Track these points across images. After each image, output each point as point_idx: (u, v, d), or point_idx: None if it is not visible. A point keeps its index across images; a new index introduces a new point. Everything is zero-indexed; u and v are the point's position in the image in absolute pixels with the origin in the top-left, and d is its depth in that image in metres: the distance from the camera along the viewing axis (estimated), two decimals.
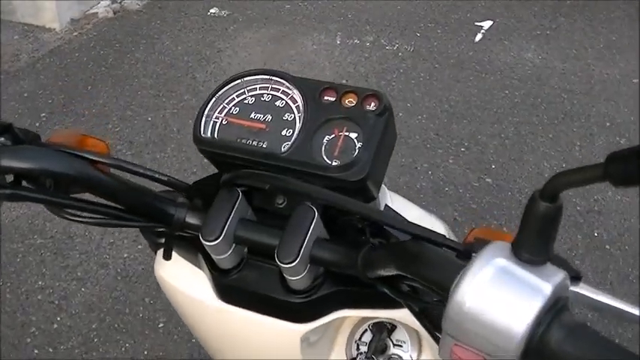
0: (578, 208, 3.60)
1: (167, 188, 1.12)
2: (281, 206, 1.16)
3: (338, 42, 5.02)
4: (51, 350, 3.04)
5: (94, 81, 4.72)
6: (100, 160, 1.03)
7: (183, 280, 1.24)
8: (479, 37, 5.04)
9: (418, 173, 3.86)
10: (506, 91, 4.48)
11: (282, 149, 1.05)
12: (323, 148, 1.04)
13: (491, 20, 5.20)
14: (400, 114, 4.28)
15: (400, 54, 4.86)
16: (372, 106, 1.06)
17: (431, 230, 0.94)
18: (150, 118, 4.34)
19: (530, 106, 4.36)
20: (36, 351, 3.03)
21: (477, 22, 5.19)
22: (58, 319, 3.16)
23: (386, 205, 1.18)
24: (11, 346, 3.05)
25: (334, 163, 1.02)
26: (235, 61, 4.86)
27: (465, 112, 4.32)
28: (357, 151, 1.02)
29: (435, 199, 3.70)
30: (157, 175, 1.06)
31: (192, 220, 1.11)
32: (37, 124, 4.32)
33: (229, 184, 1.09)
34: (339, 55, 4.87)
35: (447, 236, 0.95)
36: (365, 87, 1.08)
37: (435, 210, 3.61)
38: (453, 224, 3.53)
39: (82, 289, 3.27)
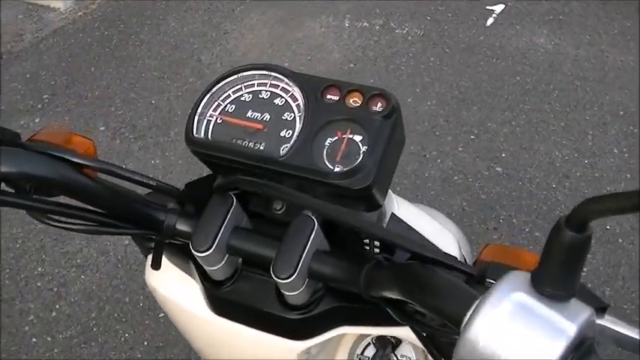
0: None
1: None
2: (279, 212, 1.08)
3: (346, 25, 4.93)
4: (49, 339, 2.98)
5: (98, 62, 4.65)
6: (84, 162, 0.96)
7: (175, 288, 1.16)
8: (490, 21, 4.94)
9: (427, 161, 3.78)
10: (518, 78, 4.38)
11: (281, 152, 0.97)
12: (325, 152, 0.97)
13: (503, 4, 5.09)
14: (409, 99, 4.21)
15: (410, 38, 4.77)
16: (378, 106, 0.98)
17: (440, 250, 0.86)
18: (154, 101, 4.27)
19: (542, 93, 4.27)
20: (34, 339, 2.98)
21: (489, 5, 5.08)
22: (57, 307, 3.10)
23: (392, 214, 1.10)
24: (9, 335, 2.99)
25: (336, 169, 0.94)
26: (241, 43, 4.78)
27: (476, 98, 4.23)
28: (361, 155, 0.94)
29: (444, 188, 3.62)
30: (145, 180, 0.98)
31: (183, 227, 1.04)
32: (39, 106, 4.26)
33: (223, 189, 1.01)
34: (348, 39, 4.78)
35: (460, 249, 0.88)
36: (371, 85, 1.00)
37: (444, 199, 3.54)
38: (461, 214, 3.46)
39: (82, 277, 3.21)
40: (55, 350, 2.94)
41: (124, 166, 1.03)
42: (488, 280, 0.84)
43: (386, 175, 1.00)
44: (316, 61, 4.56)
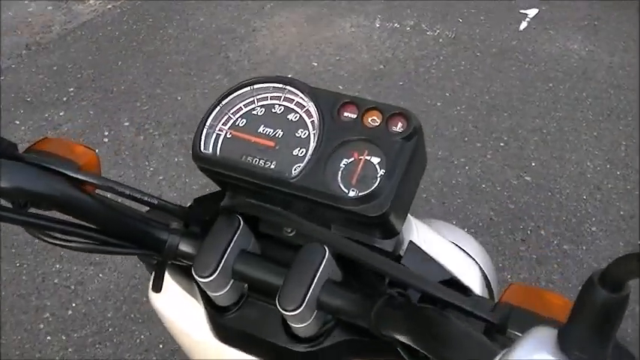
0: (622, 212, 3.43)
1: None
2: (290, 235, 1.02)
3: (377, 25, 4.87)
4: (64, 338, 2.93)
5: (125, 56, 4.62)
6: (83, 178, 0.90)
7: (178, 310, 1.10)
8: (523, 25, 4.86)
9: (454, 168, 3.71)
10: (550, 84, 4.30)
11: (293, 172, 0.91)
12: (339, 174, 0.90)
13: (537, 8, 5.02)
14: (438, 103, 4.14)
15: (441, 40, 4.71)
16: (398, 127, 0.91)
17: (458, 295, 0.80)
18: (179, 98, 4.23)
19: (575, 101, 4.18)
20: (48, 337, 2.93)
21: (522, 9, 5.01)
22: (73, 305, 3.05)
23: (410, 242, 1.03)
24: (24, 331, 2.95)
25: (351, 193, 0.88)
26: (270, 40, 4.73)
27: (506, 104, 4.16)
28: (378, 179, 0.88)
29: (471, 197, 3.54)
30: (146, 198, 0.92)
31: (186, 248, 0.98)
32: (65, 99, 4.23)
33: (228, 211, 0.95)
34: (378, 39, 4.72)
35: (483, 278, 0.81)
36: (391, 104, 0.94)
37: (471, 207, 3.46)
38: (488, 224, 3.38)
39: (100, 275, 3.16)
40: (69, 349, 2.89)
41: (126, 182, 0.97)
42: (509, 330, 0.77)
43: (404, 201, 0.93)
44: (345, 62, 4.50)
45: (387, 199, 0.87)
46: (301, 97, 0.98)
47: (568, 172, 3.68)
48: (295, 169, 0.92)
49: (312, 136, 0.94)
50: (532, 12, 4.98)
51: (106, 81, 4.38)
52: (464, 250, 1.38)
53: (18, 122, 4.07)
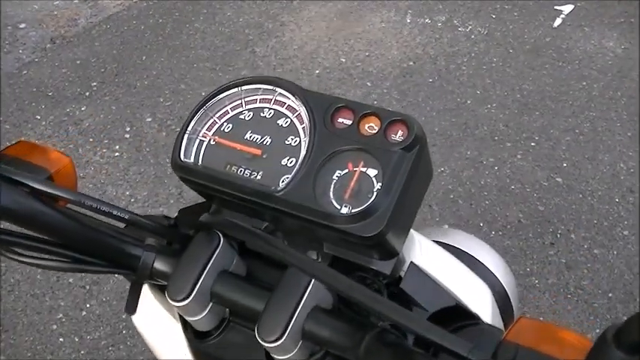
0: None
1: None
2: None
3: (408, 20, 4.77)
4: (77, 339, 2.88)
5: (150, 51, 4.56)
6: (47, 191, 0.82)
7: (159, 331, 1.02)
8: (558, 22, 4.73)
9: (483, 168, 3.61)
10: (584, 83, 4.18)
11: (280, 185, 0.83)
12: (332, 188, 0.82)
13: (572, 4, 4.88)
14: (469, 101, 4.05)
15: (473, 37, 4.60)
16: (398, 135, 0.83)
17: (454, 339, 0.70)
18: (204, 94, 4.08)
19: (609, 100, 4.06)
20: (61, 339, 2.88)
21: (557, 5, 4.87)
22: (87, 305, 2.99)
23: (411, 263, 0.94)
24: (37, 332, 2.90)
25: (344, 209, 0.79)
26: (298, 36, 4.65)
27: (538, 103, 4.05)
28: (374, 194, 0.80)
29: (499, 198, 3.44)
30: (118, 213, 0.83)
31: (162, 266, 0.89)
32: (87, 94, 4.18)
33: (207, 228, 0.86)
34: (408, 35, 4.62)
35: (494, 303, 0.72)
36: (390, 109, 0.85)
37: (499, 209, 3.36)
38: (517, 227, 3.28)
39: (115, 275, 3.08)
40: (82, 352, 2.83)
41: (98, 196, 0.89)
42: None
43: (405, 219, 0.84)
44: (374, 58, 4.41)
45: (384, 217, 0.78)
46: (292, 101, 0.89)
47: (600, 174, 3.57)
48: (283, 181, 0.83)
49: (302, 143, 0.86)
50: (567, 8, 4.85)
51: (129, 76, 4.33)
52: (480, 261, 1.30)
53: (39, 117, 4.03)
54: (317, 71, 4.30)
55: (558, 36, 4.59)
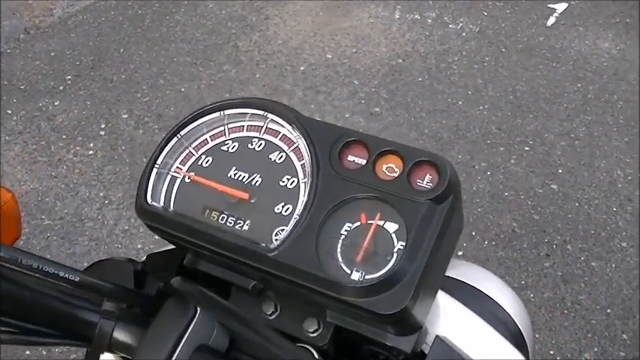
0: None
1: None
2: (271, 318, 0.76)
3: (397, 16, 4.62)
4: (44, 353, 2.70)
5: (128, 43, 4.39)
6: None
7: None
8: (551, 20, 4.61)
9: (475, 173, 3.48)
10: (579, 85, 4.07)
11: (273, 240, 0.66)
12: (339, 247, 0.65)
13: (566, 3, 4.76)
14: (460, 102, 3.93)
15: (464, 34, 4.47)
16: (425, 181, 0.66)
17: None
18: (183, 89, 4.00)
19: (605, 104, 3.94)
20: (27, 352, 2.69)
21: (550, 3, 4.75)
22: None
23: (437, 337, 0.77)
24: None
25: (355, 275, 0.63)
26: (282, 30, 4.49)
27: (532, 105, 3.93)
28: (394, 257, 0.63)
29: (492, 205, 3.30)
30: (68, 275, 0.66)
31: (124, 337, 0.72)
32: (61, 88, 4.01)
33: (179, 295, 0.70)
34: (397, 31, 4.48)
35: None
36: (415, 147, 0.68)
37: (492, 217, 3.21)
38: (510, 236, 3.13)
39: None
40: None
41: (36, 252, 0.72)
42: None
43: (431, 286, 0.68)
44: (361, 54, 4.26)
45: (408, 289, 0.62)
46: (289, 130, 0.72)
47: (597, 181, 3.44)
48: (276, 236, 0.67)
49: (302, 186, 0.69)
50: (561, 7, 4.71)
51: (105, 69, 4.16)
52: (495, 301, 1.15)
53: (10, 112, 3.85)
54: (302, 67, 4.14)
55: (552, 35, 4.46)
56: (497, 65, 4.21)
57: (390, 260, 0.63)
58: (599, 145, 3.65)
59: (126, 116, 3.82)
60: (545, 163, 3.55)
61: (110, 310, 0.73)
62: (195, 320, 0.70)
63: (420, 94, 3.98)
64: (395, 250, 0.64)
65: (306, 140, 0.71)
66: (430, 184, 0.66)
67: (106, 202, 3.28)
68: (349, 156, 0.70)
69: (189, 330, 0.69)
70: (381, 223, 0.66)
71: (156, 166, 0.74)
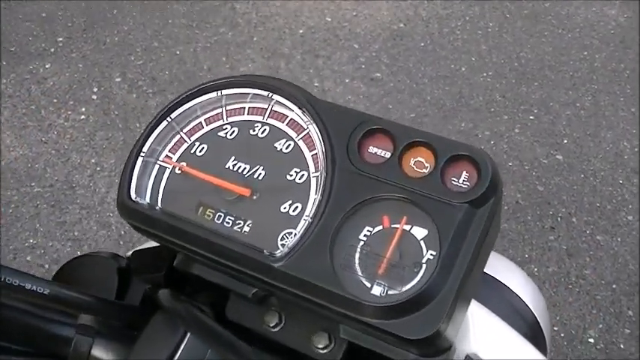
0: None
1: None
2: (274, 330, 0.67)
3: None
4: None
5: (121, 4, 4.26)
6: None
7: None
8: None
9: (479, 142, 3.39)
10: (585, 53, 3.97)
11: (279, 248, 0.56)
12: (357, 256, 0.55)
13: None
14: (463, 69, 3.84)
15: None
16: (461, 179, 0.56)
17: None
18: (178, 52, 3.89)
19: (612, 73, 3.85)
20: None
21: None
22: None
23: (467, 357, 0.67)
24: None
25: (375, 290, 0.54)
26: None
27: (537, 73, 3.84)
28: (423, 268, 0.53)
29: None
30: (37, 288, 0.57)
31: (102, 354, 0.63)
32: (52, 50, 3.89)
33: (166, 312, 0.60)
34: None
35: None
36: (451, 138, 0.58)
37: None
38: (514, 208, 3.06)
39: (78, 252, 2.83)
40: None
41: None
42: None
43: (466, 302, 0.58)
44: (362, 18, 4.16)
45: (441, 310, 0.52)
46: (298, 115, 0.62)
47: (603, 152, 3.36)
48: (283, 242, 0.57)
49: (313, 181, 0.59)
50: None
51: (98, 31, 4.03)
52: (514, 291, 1.11)
53: None
54: (300, 31, 4.03)
55: (558, 1, 4.35)
56: (502, 31, 4.10)
57: (417, 272, 0.54)
58: (605, 116, 3.57)
59: (119, 80, 3.71)
60: (550, 132, 3.46)
61: (87, 325, 0.64)
62: (184, 344, 0.61)
63: (422, 59, 3.88)
64: (424, 260, 0.54)
65: (318, 126, 0.61)
66: (467, 184, 0.57)
67: (98, 168, 3.18)
68: (371, 147, 0.60)
69: (180, 352, 0.60)
70: (407, 227, 0.56)
71: (141, 154, 0.64)
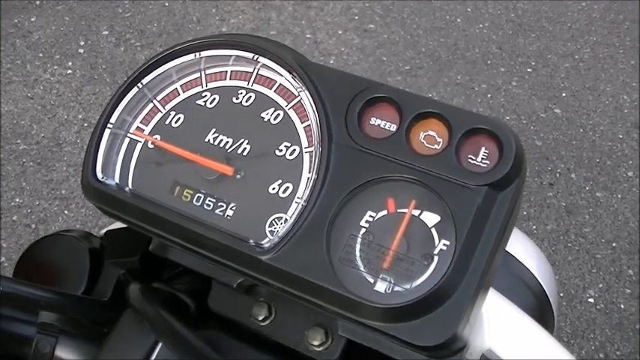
0: None
1: None
2: (263, 324, 0.60)
3: None
4: None
5: None
6: None
7: None
8: None
9: (475, 95, 3.33)
10: (583, 4, 3.91)
11: (267, 236, 0.49)
12: (358, 247, 0.47)
13: None
14: (458, 20, 3.78)
15: None
16: (480, 158, 0.50)
17: None
18: (167, 4, 3.82)
19: (611, 24, 3.79)
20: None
21: None
22: None
23: (483, 356, 0.60)
24: None
25: (378, 286, 0.47)
26: None
27: (534, 24, 3.78)
28: (434, 260, 0.46)
29: None
30: None
31: (67, 355, 0.56)
32: (37, 3, 3.81)
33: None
34: None
35: None
36: (465, 108, 0.51)
37: None
38: None
39: (65, 212, 2.77)
40: None
41: None
42: None
43: (484, 295, 0.51)
44: None
45: (458, 311, 0.46)
46: (287, 80, 0.55)
47: (602, 106, 3.29)
48: (272, 228, 0.50)
49: (305, 157, 0.52)
50: None
51: None
52: (522, 263, 1.05)
53: None
54: None
55: None
56: None
57: (428, 266, 0.47)
58: (604, 68, 3.51)
59: (106, 33, 3.62)
60: (548, 85, 3.40)
61: (49, 323, 0.57)
62: (156, 352, 0.54)
63: (417, 10, 3.80)
64: (435, 251, 0.47)
65: (311, 94, 0.53)
66: (487, 163, 0.49)
67: (85, 124, 3.10)
68: (373, 119, 0.53)
69: (155, 354, 0.53)
70: (416, 213, 0.49)
71: (109, 125, 0.56)
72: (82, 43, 3.54)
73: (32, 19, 3.68)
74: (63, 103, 3.19)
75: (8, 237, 2.69)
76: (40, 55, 3.46)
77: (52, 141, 3.01)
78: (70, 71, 3.37)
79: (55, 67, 3.38)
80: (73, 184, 2.85)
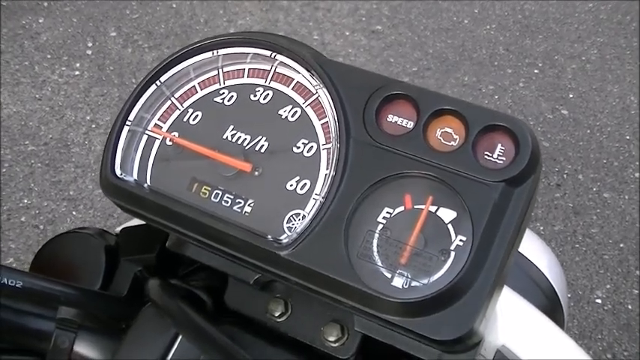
0: None
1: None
2: (280, 320, 0.60)
3: None
4: None
5: None
6: None
7: None
8: None
9: (482, 96, 3.34)
10: (591, 5, 3.91)
11: (285, 232, 0.50)
12: (375, 243, 0.48)
13: None
14: (465, 21, 3.78)
15: None
16: (496, 154, 0.51)
17: None
18: (175, 5, 3.82)
19: (618, 25, 3.79)
20: None
21: None
22: None
23: (498, 352, 0.61)
24: None
25: (396, 282, 0.48)
26: None
27: (542, 25, 3.78)
28: (451, 256, 0.46)
29: None
30: (9, 281, 0.50)
31: (88, 352, 0.56)
32: (45, 4, 3.81)
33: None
34: None
35: None
36: (483, 105, 0.51)
37: None
38: None
39: (73, 213, 2.78)
40: None
41: None
42: None
43: (500, 291, 0.51)
44: None
45: (476, 306, 0.47)
46: (305, 77, 0.55)
47: (609, 107, 3.30)
48: (290, 225, 0.50)
49: (323, 154, 0.53)
50: None
51: None
52: (533, 263, 1.04)
53: None
54: None
55: None
56: None
57: (445, 261, 0.47)
58: (611, 69, 3.51)
59: (114, 34, 3.63)
60: (555, 86, 3.40)
61: (68, 319, 0.57)
62: (175, 346, 0.54)
63: (424, 11, 3.80)
64: (452, 247, 0.48)
65: (329, 91, 0.54)
66: (503, 159, 0.50)
67: (93, 125, 3.11)
68: (390, 116, 0.54)
69: (173, 351, 0.54)
70: (433, 209, 0.50)
71: (127, 122, 0.57)
72: (90, 44, 3.55)
73: (40, 21, 3.69)
74: (71, 104, 3.20)
75: (17, 238, 2.69)
76: (48, 56, 3.47)
77: (60, 142, 3.02)
78: (77, 72, 3.38)
79: (63, 69, 3.39)
80: (81, 185, 2.86)
